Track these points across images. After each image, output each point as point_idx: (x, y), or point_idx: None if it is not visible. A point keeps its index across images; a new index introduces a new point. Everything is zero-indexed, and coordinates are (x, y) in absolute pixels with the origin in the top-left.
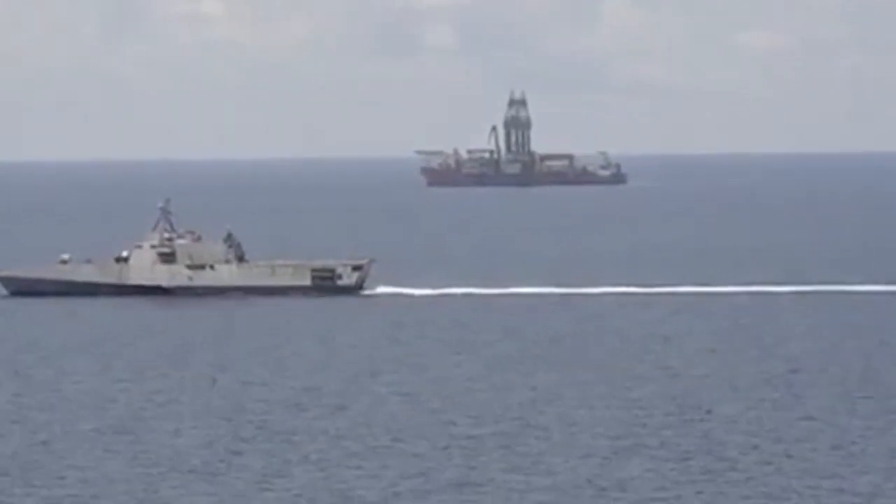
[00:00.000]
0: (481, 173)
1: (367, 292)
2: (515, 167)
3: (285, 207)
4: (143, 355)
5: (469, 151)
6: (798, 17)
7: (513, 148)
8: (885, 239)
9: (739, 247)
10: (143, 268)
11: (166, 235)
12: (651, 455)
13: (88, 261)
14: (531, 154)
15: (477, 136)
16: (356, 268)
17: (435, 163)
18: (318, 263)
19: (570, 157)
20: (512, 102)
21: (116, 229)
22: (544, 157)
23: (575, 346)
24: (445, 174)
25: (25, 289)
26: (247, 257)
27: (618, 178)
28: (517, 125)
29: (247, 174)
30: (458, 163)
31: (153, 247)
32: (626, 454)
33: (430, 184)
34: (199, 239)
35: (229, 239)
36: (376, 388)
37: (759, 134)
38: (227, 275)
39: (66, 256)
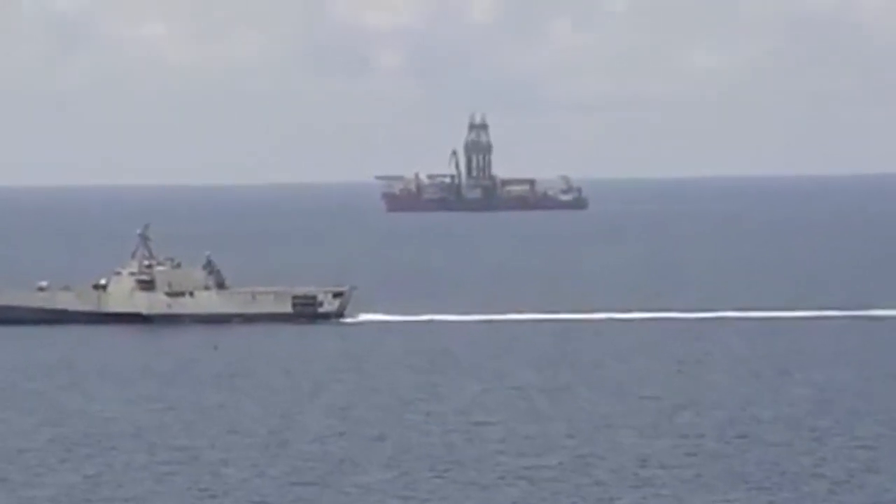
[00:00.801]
0: (442, 198)
1: (348, 319)
2: (476, 192)
3: (244, 234)
4: (170, 382)
5: (430, 176)
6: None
7: (474, 173)
8: (836, 264)
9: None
10: (122, 295)
11: (145, 262)
12: (717, 487)
13: (66, 288)
14: (492, 178)
15: (431, 158)
16: (337, 294)
17: (396, 188)
18: (300, 290)
19: (531, 182)
20: (472, 126)
21: (76, 256)
22: (505, 182)
23: (599, 373)
24: (406, 199)
25: (1, 317)
26: (227, 284)
27: (579, 202)
28: (478, 149)
29: (198, 200)
30: (419, 188)
31: (132, 274)
32: (692, 487)
33: (391, 209)
34: (178, 266)
35: (209, 265)
36: (413, 417)
37: (714, 155)
38: (208, 302)
39: (43, 283)
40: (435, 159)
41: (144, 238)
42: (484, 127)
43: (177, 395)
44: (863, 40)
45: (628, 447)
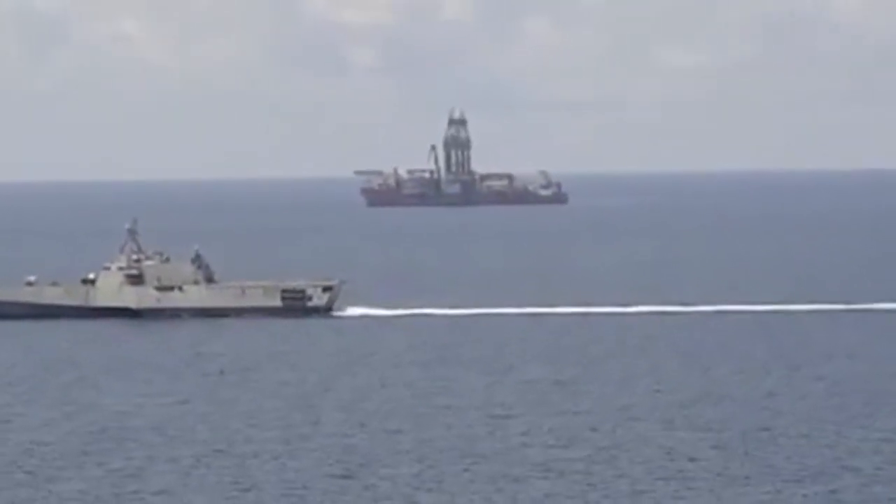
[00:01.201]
0: (422, 193)
1: (337, 313)
2: (456, 187)
3: (226, 229)
4: (178, 376)
5: (409, 171)
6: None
7: (453, 168)
8: (823, 259)
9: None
10: (111, 289)
11: (134, 257)
12: (748, 480)
13: (54, 283)
14: (471, 174)
15: (408, 155)
16: (326, 289)
17: (375, 183)
18: (289, 284)
19: (510, 177)
20: (451, 122)
21: (54, 252)
22: (484, 177)
23: (606, 367)
24: (386, 194)
25: None
26: (215, 278)
27: (559, 197)
28: (457, 145)
29: (180, 195)
30: (399, 183)
31: (121, 268)
32: (724, 480)
33: (371, 204)
34: (167, 260)
35: (198, 259)
36: (429, 411)
37: (691, 152)
38: (197, 296)
39: (31, 278)
40: (412, 155)
41: (133, 233)
42: (463, 122)
43: (187, 390)
44: (844, 39)
45: (653, 440)
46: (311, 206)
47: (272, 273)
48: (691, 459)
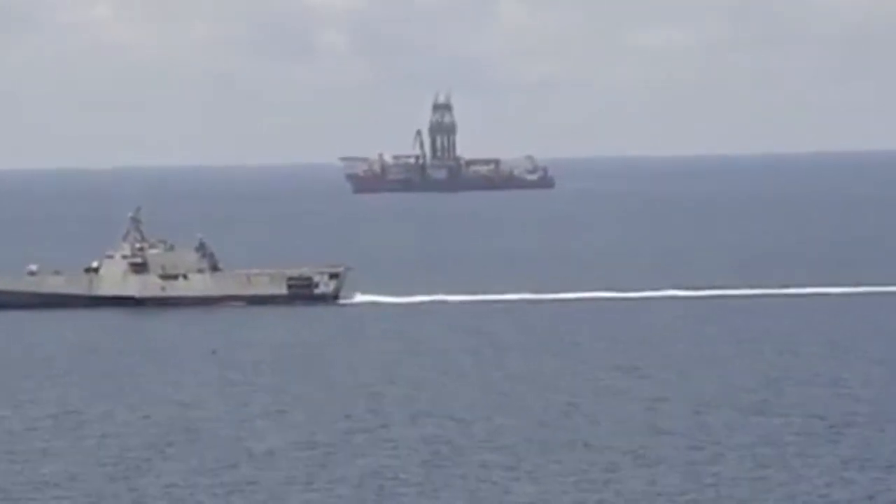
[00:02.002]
0: (407, 179)
1: (344, 301)
2: (442, 172)
3: (213, 216)
4: (230, 366)
5: (394, 157)
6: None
7: (438, 153)
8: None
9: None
10: (115, 278)
11: (137, 245)
12: (848, 466)
13: (57, 272)
14: (457, 159)
15: (385, 140)
16: (333, 276)
17: (360, 169)
18: (295, 272)
19: (496, 162)
20: (436, 107)
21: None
22: (470, 162)
23: (638, 352)
24: (371, 181)
25: None
26: (220, 266)
27: (545, 181)
28: (442, 130)
29: (157, 182)
30: (384, 169)
31: (124, 257)
32: (829, 464)
33: (357, 190)
34: (171, 248)
35: (202, 247)
36: (500, 399)
37: (668, 134)
38: (202, 284)
39: (33, 267)
40: (389, 140)
41: (136, 221)
42: (448, 107)
43: (250, 380)
44: (814, 18)
45: (739, 427)
46: (297, 192)
47: (269, 262)
48: (783, 445)
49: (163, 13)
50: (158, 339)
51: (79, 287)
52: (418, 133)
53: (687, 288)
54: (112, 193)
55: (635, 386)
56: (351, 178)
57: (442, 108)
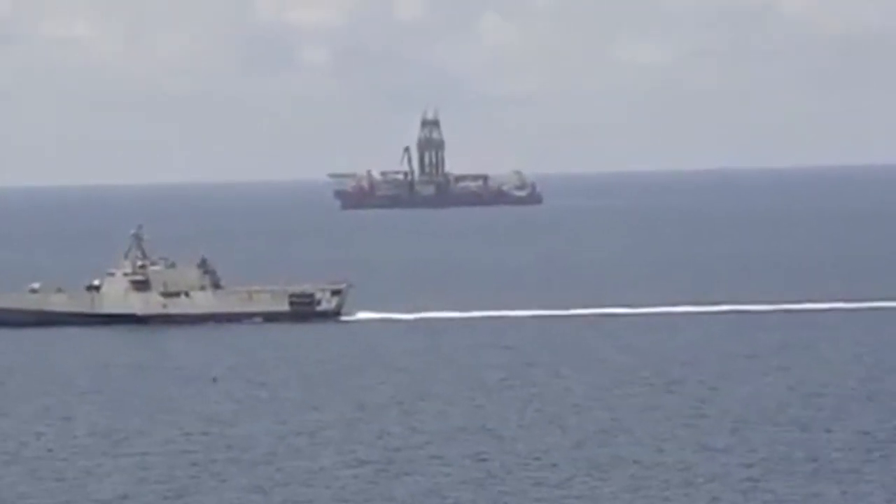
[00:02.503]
0: (396, 195)
1: (346, 318)
2: (430, 188)
3: (205, 232)
4: (261, 384)
5: (383, 173)
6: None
7: (427, 169)
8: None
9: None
10: (116, 296)
11: (139, 263)
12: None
13: (59, 289)
14: (445, 175)
15: (370, 156)
16: (335, 292)
17: (349, 185)
18: (297, 288)
19: (484, 178)
20: (424, 123)
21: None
22: (458, 178)
23: (654, 369)
24: (359, 197)
25: None
26: (222, 283)
27: (534, 197)
28: (430, 146)
29: (141, 200)
30: (372, 185)
31: (126, 274)
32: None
33: (345, 207)
34: (172, 265)
35: (204, 265)
36: (535, 415)
37: (650, 149)
38: (204, 301)
39: (35, 285)
40: (373, 156)
41: (138, 238)
42: (436, 123)
43: (279, 397)
44: (793, 29)
45: (782, 443)
46: (286, 209)
47: (255, 277)
48: (831, 461)
49: (146, 29)
50: (171, 357)
51: (81, 305)
52: (406, 149)
53: (701, 303)
54: (96, 211)
55: (669, 402)
56: (339, 194)
57: (430, 124)
